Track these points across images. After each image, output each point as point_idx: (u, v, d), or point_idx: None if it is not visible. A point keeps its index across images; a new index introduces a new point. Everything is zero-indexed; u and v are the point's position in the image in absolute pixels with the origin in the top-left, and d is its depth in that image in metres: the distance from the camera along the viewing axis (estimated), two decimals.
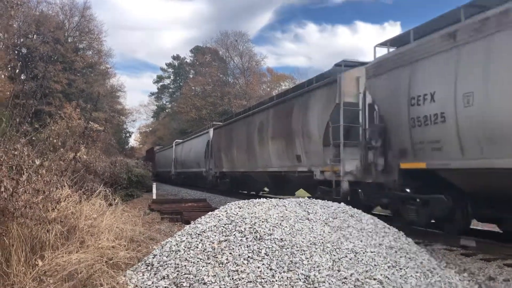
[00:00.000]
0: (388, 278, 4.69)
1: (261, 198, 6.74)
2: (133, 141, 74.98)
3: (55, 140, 10.22)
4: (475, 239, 7.90)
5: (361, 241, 5.48)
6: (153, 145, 69.93)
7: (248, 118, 18.35)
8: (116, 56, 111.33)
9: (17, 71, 30.80)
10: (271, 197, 7.25)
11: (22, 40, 31.22)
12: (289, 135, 13.51)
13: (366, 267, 4.86)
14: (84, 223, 6.04)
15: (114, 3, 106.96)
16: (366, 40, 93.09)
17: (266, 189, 20.90)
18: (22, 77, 29.97)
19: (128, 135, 58.90)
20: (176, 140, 37.71)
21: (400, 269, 4.98)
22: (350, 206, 6.75)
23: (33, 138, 8.11)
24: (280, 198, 7.00)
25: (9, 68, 23.28)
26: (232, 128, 20.71)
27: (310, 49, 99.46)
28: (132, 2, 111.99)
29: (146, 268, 5.08)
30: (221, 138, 22.41)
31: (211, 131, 24.92)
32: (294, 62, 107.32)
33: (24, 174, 5.00)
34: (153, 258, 5.23)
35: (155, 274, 4.88)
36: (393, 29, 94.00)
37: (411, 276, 4.86)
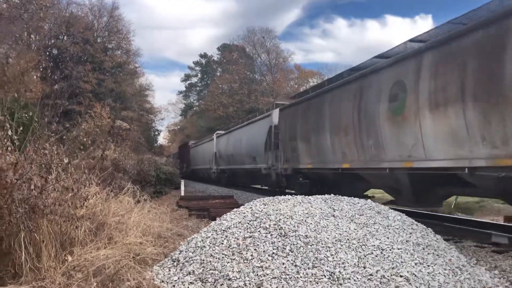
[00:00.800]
0: (415, 275, 4.60)
1: (286, 195, 6.73)
2: (162, 139, 76.11)
3: (84, 139, 10.46)
4: (507, 235, 7.67)
5: (388, 238, 5.40)
6: (181, 142, 70.79)
7: (360, 81, 11.09)
8: (144, 55, 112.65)
9: (48, 71, 31.66)
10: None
11: (53, 41, 32.06)
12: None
13: (393, 264, 4.78)
14: (112, 219, 6.16)
15: (142, 2, 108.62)
16: (396, 34, 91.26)
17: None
18: (54, 78, 30.79)
19: (156, 133, 59.76)
20: (218, 132, 33.41)
21: (428, 266, 4.88)
22: (377, 203, 6.65)
23: (63, 137, 8.32)
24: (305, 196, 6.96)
25: (41, 69, 23.96)
26: (321, 101, 13.31)
27: (339, 44, 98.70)
28: (160, 1, 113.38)
29: (173, 263, 5.15)
30: (297, 121, 15.25)
31: (275, 113, 18.36)
32: (323, 58, 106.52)
33: (53, 172, 5.14)
34: (179, 254, 5.29)
35: (181, 269, 4.94)
36: (424, 23, 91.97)
37: (439, 273, 4.76)
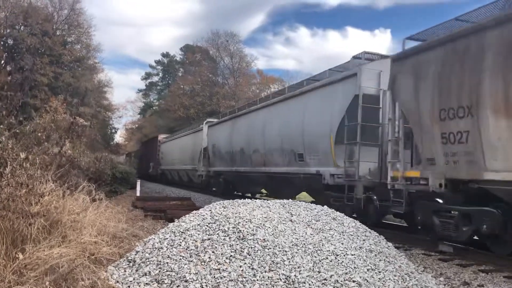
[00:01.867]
0: (367, 281, 4.77)
1: (246, 199, 6.79)
2: (118, 137, 74.43)
3: (39, 134, 10.14)
4: (453, 244, 8.05)
5: (342, 243, 5.57)
6: (138, 141, 69.26)
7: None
8: (104, 51, 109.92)
9: (2, 62, 30.40)
10: None
11: (8, 31, 30.82)
12: None
13: (346, 269, 4.94)
14: (67, 217, 6.02)
15: None
16: (356, 46, 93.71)
17: None
18: (8, 69, 29.60)
19: (113, 131, 58.44)
20: (209, 120, 26.06)
21: (379, 272, 5.08)
22: (333, 210, 6.84)
23: (17, 131, 8.05)
24: (264, 199, 7.07)
25: None
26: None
27: (300, 52, 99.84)
28: None
29: (128, 264, 5.10)
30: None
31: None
32: (285, 65, 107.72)
33: (7, 167, 4.98)
34: (136, 254, 5.24)
35: (136, 270, 4.90)
36: (383, 36, 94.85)
37: (389, 279, 4.96)
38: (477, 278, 6.11)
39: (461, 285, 5.81)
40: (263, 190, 20.96)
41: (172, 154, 32.87)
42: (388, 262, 5.43)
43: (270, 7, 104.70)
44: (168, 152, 34.51)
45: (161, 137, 38.95)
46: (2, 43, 30.19)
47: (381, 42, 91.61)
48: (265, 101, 17.36)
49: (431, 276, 5.84)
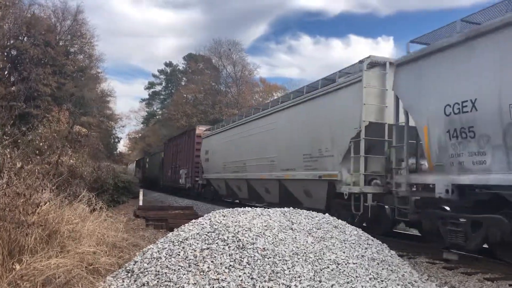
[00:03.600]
0: None
1: (246, 207, 6.72)
2: (122, 147, 74.57)
3: (41, 144, 10.12)
4: (458, 252, 7.93)
5: (344, 252, 5.48)
6: (142, 152, 69.04)
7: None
8: (108, 61, 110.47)
9: (6, 73, 30.54)
10: None
11: (12, 41, 31.00)
12: None
13: (348, 278, 4.85)
14: (66, 227, 5.97)
15: (111, 9, 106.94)
16: (359, 54, 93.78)
17: None
18: (11, 79, 29.73)
19: (117, 140, 58.48)
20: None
21: (382, 281, 4.98)
22: (335, 217, 6.75)
23: (18, 140, 8.02)
24: (264, 207, 6.99)
25: None
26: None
27: (303, 61, 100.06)
28: (129, 9, 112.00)
29: (127, 274, 5.02)
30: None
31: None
32: (287, 73, 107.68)
33: (4, 176, 4.93)
34: (134, 264, 5.17)
35: (135, 280, 4.82)
36: (386, 44, 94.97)
37: None
38: (483, 287, 5.99)
39: None
40: None
41: (236, 152, 18.18)
42: (391, 270, 5.34)
43: (272, 16, 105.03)
44: (223, 150, 19.93)
45: (201, 129, 25.30)
46: (5, 54, 30.34)
47: (384, 49, 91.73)
48: None
49: (435, 285, 5.72)
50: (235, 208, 6.54)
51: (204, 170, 23.19)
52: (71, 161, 13.45)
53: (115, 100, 51.03)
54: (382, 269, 5.31)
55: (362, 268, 5.14)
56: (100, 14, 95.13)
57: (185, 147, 27.40)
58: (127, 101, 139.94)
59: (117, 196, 18.59)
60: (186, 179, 26.14)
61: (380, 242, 6.24)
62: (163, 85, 74.54)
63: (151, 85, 75.19)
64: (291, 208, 6.86)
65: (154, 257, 5.17)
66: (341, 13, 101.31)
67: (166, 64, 73.15)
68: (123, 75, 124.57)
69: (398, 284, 5.00)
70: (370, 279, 4.95)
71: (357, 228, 6.46)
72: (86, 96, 34.33)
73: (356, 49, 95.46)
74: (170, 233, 5.85)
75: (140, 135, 79.73)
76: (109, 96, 46.46)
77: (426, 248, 8.74)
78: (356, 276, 4.92)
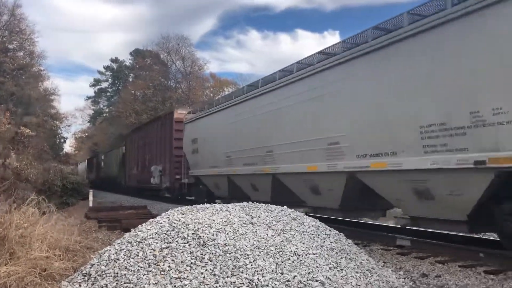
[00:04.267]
0: (330, 279, 4.76)
1: (205, 204, 6.66)
2: (68, 147, 71.85)
3: None
4: (410, 238, 8.25)
5: (303, 243, 5.55)
6: (90, 152, 66.74)
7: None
8: (50, 58, 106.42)
9: None
10: None
11: None
12: None
13: (309, 269, 4.91)
14: (15, 233, 5.67)
15: (50, 3, 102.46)
16: (306, 48, 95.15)
17: None
18: None
19: (62, 140, 56.26)
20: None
21: (341, 269, 5.09)
22: (293, 210, 6.82)
23: None
24: (223, 203, 6.95)
25: None
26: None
27: (252, 55, 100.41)
28: (69, 3, 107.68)
29: (83, 278, 4.84)
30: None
31: None
32: (238, 68, 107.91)
33: None
34: (91, 267, 4.99)
35: (92, 284, 4.66)
36: (332, 38, 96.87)
37: (352, 276, 4.98)
38: (435, 269, 6.27)
39: (420, 277, 5.94)
40: None
41: (253, 136, 12.54)
42: (350, 259, 5.46)
43: (220, 11, 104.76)
44: (225, 136, 14.37)
45: (181, 113, 20.29)
46: None
47: (331, 43, 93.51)
48: None
49: (391, 270, 5.93)
50: (194, 205, 6.47)
51: (190, 166, 17.67)
52: (15, 163, 12.83)
53: (59, 98, 49.04)
54: (341, 258, 5.42)
55: (322, 258, 5.23)
56: (39, 9, 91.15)
57: (157, 137, 22.61)
58: (72, 99, 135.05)
59: (66, 198, 17.93)
60: (162, 178, 21.53)
61: (337, 232, 6.37)
62: (110, 82, 72.35)
63: (96, 82, 72.78)
64: (250, 202, 6.87)
65: (111, 259, 5.01)
66: (288, 8, 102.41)
67: (112, 60, 71.03)
68: (66, 72, 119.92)
69: (357, 272, 5.12)
70: (330, 268, 5.04)
71: (315, 219, 6.57)
72: (28, 95, 32.76)
73: (303, 43, 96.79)
74: (127, 234, 5.70)
75: (86, 134, 77.15)
76: (53, 94, 44.58)
77: (380, 236, 9.04)
78: (317, 266, 5.00)
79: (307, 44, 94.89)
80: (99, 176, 44.95)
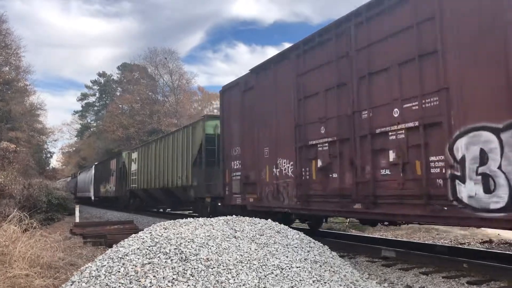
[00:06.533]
0: None
1: (188, 218, 6.63)
2: (55, 162, 71.11)
3: None
4: (395, 249, 8.26)
5: (287, 256, 5.54)
6: (77, 166, 65.82)
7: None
8: (38, 73, 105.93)
9: None
10: None
11: None
12: None
13: (292, 282, 4.90)
14: None
15: (37, 19, 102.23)
16: None
17: None
18: None
19: (49, 155, 55.64)
20: None
21: (325, 283, 5.08)
22: (277, 223, 6.81)
23: None
24: (209, 217, 6.92)
25: None
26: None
27: (240, 69, 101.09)
28: (57, 18, 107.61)
29: None
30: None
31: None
32: (226, 81, 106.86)
33: None
34: (71, 285, 4.92)
35: None
36: None
37: None
38: (419, 281, 6.27)
39: None
40: None
41: None
42: (333, 272, 5.46)
43: (208, 25, 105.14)
44: None
45: None
46: None
47: None
48: None
49: (376, 282, 5.93)
50: (177, 220, 6.43)
51: None
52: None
53: (46, 113, 48.49)
54: (325, 270, 5.42)
55: (305, 272, 5.22)
56: (25, 24, 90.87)
57: None
58: (59, 114, 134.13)
59: (51, 214, 17.69)
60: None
61: (322, 245, 6.37)
62: (97, 96, 72.08)
63: (84, 96, 72.48)
64: (234, 216, 6.85)
65: (93, 276, 4.95)
66: (275, 21, 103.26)
67: (100, 74, 70.83)
68: (54, 87, 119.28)
69: (340, 285, 5.12)
70: (313, 281, 5.04)
71: (299, 232, 6.56)
72: (13, 110, 32.44)
73: None
74: (109, 250, 5.64)
75: (74, 148, 76.44)
76: (39, 109, 44.15)
77: (365, 247, 9.04)
78: (300, 280, 4.99)
79: None
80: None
